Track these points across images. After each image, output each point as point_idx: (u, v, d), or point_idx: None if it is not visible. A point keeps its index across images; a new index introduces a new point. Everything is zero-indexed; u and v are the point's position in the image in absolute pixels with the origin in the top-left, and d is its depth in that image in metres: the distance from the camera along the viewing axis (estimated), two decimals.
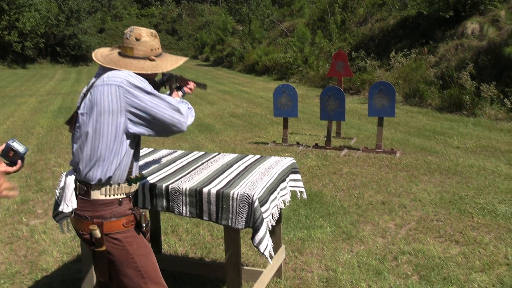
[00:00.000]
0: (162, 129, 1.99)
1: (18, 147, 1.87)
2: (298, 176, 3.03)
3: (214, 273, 3.10)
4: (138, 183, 2.10)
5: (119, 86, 1.89)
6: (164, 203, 2.48)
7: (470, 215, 4.32)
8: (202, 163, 2.91)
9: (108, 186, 1.94)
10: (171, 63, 2.07)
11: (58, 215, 2.73)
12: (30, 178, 5.77)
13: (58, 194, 2.02)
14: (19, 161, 1.90)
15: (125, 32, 2.03)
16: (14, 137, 1.96)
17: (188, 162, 2.93)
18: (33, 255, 3.68)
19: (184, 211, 2.46)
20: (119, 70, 1.95)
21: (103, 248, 1.94)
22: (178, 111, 2.01)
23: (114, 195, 1.96)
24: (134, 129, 1.94)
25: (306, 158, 6.59)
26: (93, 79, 2.01)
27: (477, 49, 11.10)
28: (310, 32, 19.52)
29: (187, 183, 2.48)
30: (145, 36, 2.01)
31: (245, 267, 2.92)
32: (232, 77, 21.52)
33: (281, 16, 28.90)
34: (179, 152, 3.23)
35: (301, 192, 3.05)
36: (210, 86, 17.04)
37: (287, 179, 2.90)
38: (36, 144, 7.72)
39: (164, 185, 2.46)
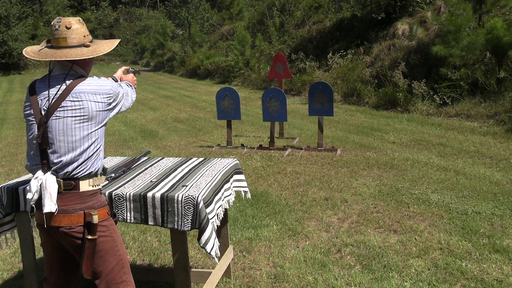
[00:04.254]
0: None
1: None
2: (241, 177, 3.10)
3: (163, 278, 3.10)
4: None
5: (106, 93, 2.08)
6: None
7: (406, 205, 4.58)
8: (146, 168, 2.90)
9: (94, 177, 2.09)
10: (107, 45, 2.15)
11: None
12: None
13: (32, 199, 1.97)
14: None
15: (52, 24, 2.05)
16: None
17: (131, 168, 2.91)
18: None
19: (128, 217, 2.45)
20: (93, 78, 2.08)
21: (96, 236, 2.05)
22: None
23: (97, 186, 2.10)
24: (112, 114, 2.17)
25: (251, 159, 6.69)
26: (59, 84, 2.02)
27: (408, 49, 11.72)
28: (250, 35, 19.72)
29: (130, 189, 2.48)
30: (75, 24, 2.04)
31: (193, 269, 2.95)
32: (174, 81, 21.30)
33: (221, 20, 28.92)
34: (122, 158, 3.20)
35: (245, 192, 3.12)
36: (151, 92, 16.79)
37: (231, 179, 2.96)
38: None
39: (107, 192, 2.44)
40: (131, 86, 2.43)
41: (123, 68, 2.62)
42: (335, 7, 17.04)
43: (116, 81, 2.49)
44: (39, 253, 3.38)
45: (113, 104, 2.13)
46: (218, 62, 19.88)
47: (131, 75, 2.61)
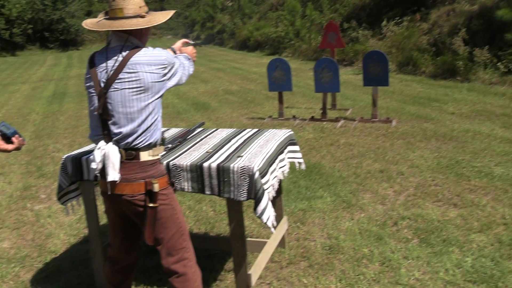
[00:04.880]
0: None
1: (4, 130, 2.03)
2: (296, 147, 3.07)
3: (219, 246, 3.17)
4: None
5: (160, 63, 2.07)
6: None
7: (467, 179, 4.39)
8: (201, 139, 2.94)
9: (154, 147, 2.12)
10: (162, 16, 2.13)
11: (62, 197, 2.78)
12: (31, 164, 5.79)
13: (96, 168, 2.07)
14: (14, 140, 2.04)
15: None
16: (3, 121, 2.07)
17: (186, 139, 2.95)
18: (40, 238, 3.74)
19: (186, 187, 2.50)
20: (148, 49, 2.07)
21: (157, 204, 2.11)
22: None
23: (157, 155, 2.14)
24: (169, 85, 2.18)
25: (303, 131, 6.63)
26: (115, 56, 2.04)
27: (469, 14, 11.03)
28: (300, 5, 19.29)
29: (187, 159, 2.51)
30: None
31: (249, 239, 2.99)
32: (224, 54, 21.36)
33: None
34: (177, 129, 3.26)
35: (299, 163, 3.10)
36: (202, 64, 16.94)
37: (285, 150, 2.94)
38: (33, 131, 7.71)
39: (165, 162, 2.50)
40: (189, 59, 2.42)
41: (183, 40, 2.62)
42: None
43: (175, 52, 2.49)
44: (102, 220, 3.55)
45: (168, 74, 2.13)
46: (268, 33, 19.67)
47: (191, 47, 2.59)
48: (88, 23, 2.11)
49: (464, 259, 3.02)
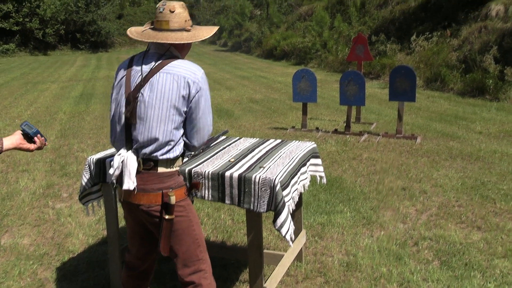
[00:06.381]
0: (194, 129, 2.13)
1: (27, 129, 2.03)
2: (318, 161, 3.04)
3: (235, 256, 3.15)
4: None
5: (193, 81, 2.02)
6: None
7: (492, 201, 4.27)
8: (224, 147, 2.93)
9: (172, 161, 2.10)
10: (206, 31, 2.15)
11: (84, 198, 2.81)
12: (55, 163, 5.90)
13: (113, 174, 2.06)
14: (37, 140, 2.05)
15: (157, 6, 2.10)
16: (26, 121, 2.09)
17: (209, 147, 2.95)
18: (59, 237, 3.79)
19: (206, 195, 2.49)
20: (185, 61, 2.06)
21: (173, 216, 2.08)
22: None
23: (175, 167, 2.12)
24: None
25: (326, 143, 6.58)
26: (152, 62, 2.05)
27: (502, 31, 10.82)
28: (329, 16, 19.26)
29: (209, 167, 2.51)
30: (178, 8, 2.08)
31: (266, 251, 2.96)
32: (250, 62, 21.45)
33: (299, 0, 28.53)
34: None
35: (321, 177, 3.06)
36: (228, 72, 17.04)
37: (308, 163, 2.91)
38: (59, 130, 7.86)
39: (187, 169, 2.50)
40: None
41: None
42: None
43: None
44: (122, 222, 3.57)
45: (192, 95, 2.03)
46: (295, 43, 19.67)
47: None
48: (133, 32, 2.13)
49: (487, 285, 2.92)
